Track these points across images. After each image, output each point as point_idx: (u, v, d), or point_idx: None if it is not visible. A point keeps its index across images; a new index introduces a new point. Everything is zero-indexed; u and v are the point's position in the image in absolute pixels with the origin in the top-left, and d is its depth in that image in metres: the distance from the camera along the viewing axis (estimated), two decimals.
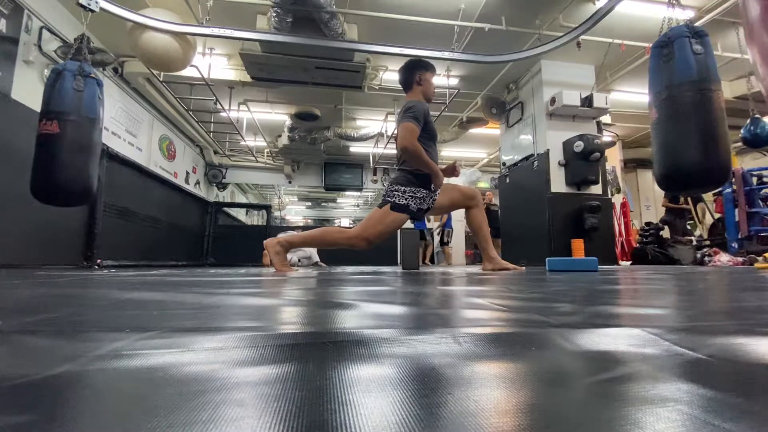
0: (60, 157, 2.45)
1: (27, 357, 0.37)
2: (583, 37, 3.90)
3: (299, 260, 5.99)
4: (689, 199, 6.10)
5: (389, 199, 2.48)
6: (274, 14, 3.85)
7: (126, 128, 5.53)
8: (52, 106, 2.47)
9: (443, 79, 5.09)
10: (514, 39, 4.55)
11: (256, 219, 13.51)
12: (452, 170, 2.71)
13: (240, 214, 10.69)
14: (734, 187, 4.70)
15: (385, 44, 4.00)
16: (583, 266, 2.51)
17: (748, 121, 4.81)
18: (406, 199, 2.45)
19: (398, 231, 2.76)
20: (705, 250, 4.73)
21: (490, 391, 0.27)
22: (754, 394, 0.27)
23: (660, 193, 6.71)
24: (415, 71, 2.60)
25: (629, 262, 5.64)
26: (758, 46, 0.60)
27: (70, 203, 2.65)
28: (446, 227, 8.56)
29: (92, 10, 2.87)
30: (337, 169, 9.68)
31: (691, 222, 6.35)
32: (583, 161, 4.81)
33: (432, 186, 2.51)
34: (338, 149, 8.85)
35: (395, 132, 3.27)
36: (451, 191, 2.68)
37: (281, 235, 2.55)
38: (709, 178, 2.08)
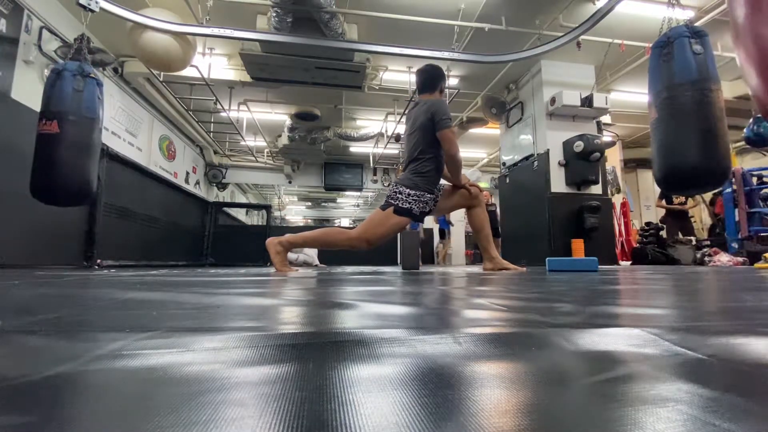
0: (59, 157, 2.45)
1: (27, 357, 0.37)
2: (583, 37, 3.90)
3: (303, 260, 5.99)
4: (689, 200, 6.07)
5: (393, 201, 2.45)
6: (274, 14, 3.84)
7: (126, 128, 5.52)
8: (51, 106, 2.48)
9: None
10: (514, 39, 4.55)
11: (256, 219, 13.51)
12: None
13: (240, 214, 10.68)
14: (734, 187, 4.70)
15: (385, 44, 4.00)
16: (583, 266, 2.51)
17: (751, 120, 4.80)
18: (409, 203, 2.43)
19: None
20: (705, 250, 4.73)
21: (490, 391, 0.27)
22: (754, 394, 0.27)
23: None
24: (442, 80, 2.69)
25: (629, 262, 5.64)
26: (744, 47, 0.61)
27: (69, 203, 2.64)
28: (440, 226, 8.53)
29: (92, 10, 2.87)
30: (337, 169, 9.68)
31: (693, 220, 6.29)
32: (583, 161, 4.81)
33: (436, 190, 2.54)
34: (338, 149, 8.84)
35: (402, 130, 3.27)
36: (453, 193, 2.68)
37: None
38: (708, 178, 2.08)
